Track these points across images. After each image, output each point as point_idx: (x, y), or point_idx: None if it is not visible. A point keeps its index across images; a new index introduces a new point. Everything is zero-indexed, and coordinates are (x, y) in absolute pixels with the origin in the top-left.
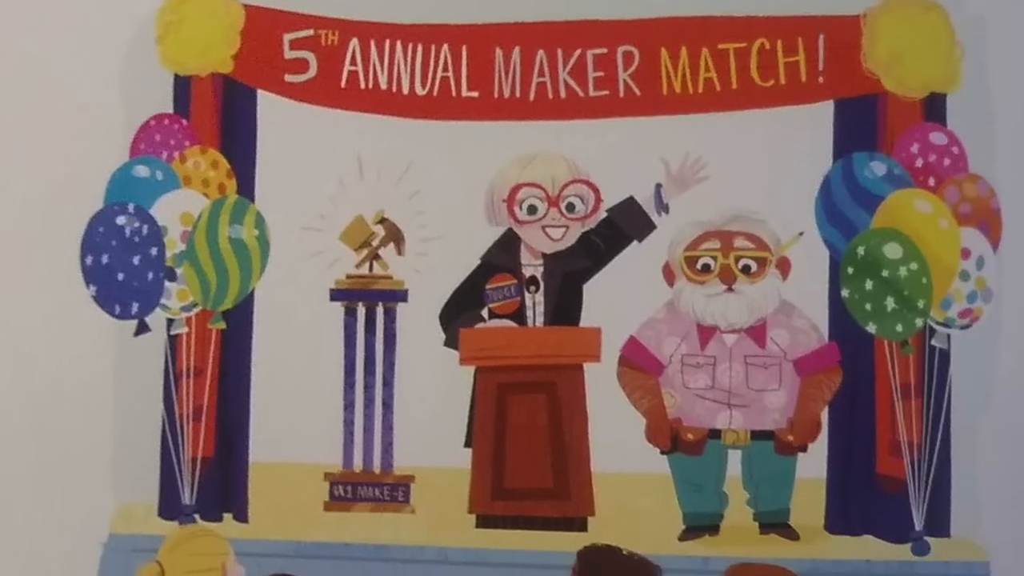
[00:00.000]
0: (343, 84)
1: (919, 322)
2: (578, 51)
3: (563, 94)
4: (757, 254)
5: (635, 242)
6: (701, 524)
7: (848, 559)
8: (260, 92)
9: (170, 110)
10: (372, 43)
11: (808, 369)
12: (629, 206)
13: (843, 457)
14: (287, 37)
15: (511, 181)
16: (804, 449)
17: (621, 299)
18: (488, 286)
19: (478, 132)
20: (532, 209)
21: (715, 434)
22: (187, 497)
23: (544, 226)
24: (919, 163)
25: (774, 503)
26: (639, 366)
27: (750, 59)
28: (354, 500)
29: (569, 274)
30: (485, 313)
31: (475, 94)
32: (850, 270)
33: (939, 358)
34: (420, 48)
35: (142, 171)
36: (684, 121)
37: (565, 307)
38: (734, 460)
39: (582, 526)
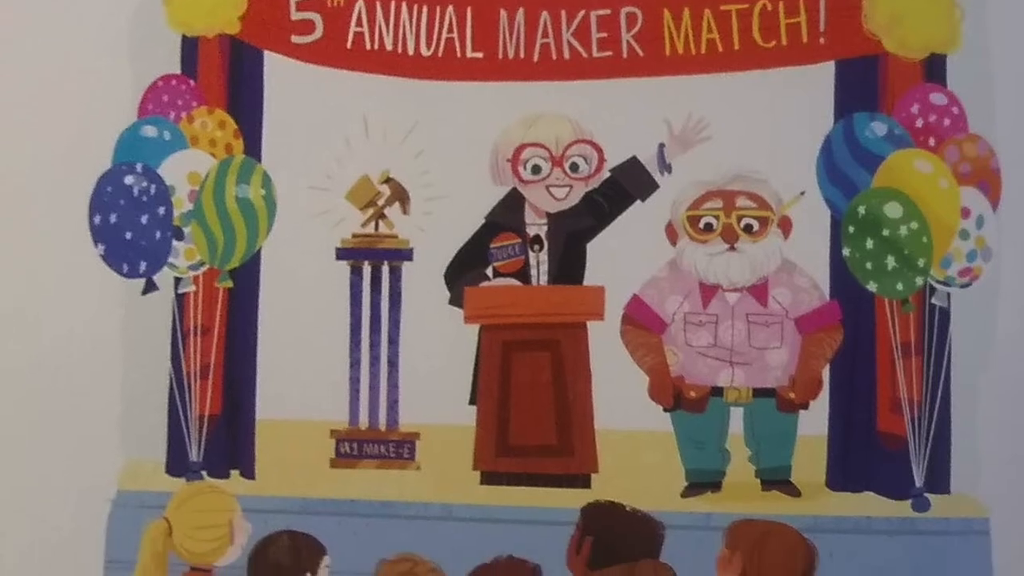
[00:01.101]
0: (349, 45)
1: (919, 281)
2: (581, 12)
3: (567, 55)
4: (759, 213)
5: (638, 201)
6: (703, 481)
7: (849, 515)
8: (267, 53)
9: (178, 71)
10: (378, 4)
11: (809, 327)
12: (632, 166)
13: (844, 414)
14: None
15: (515, 141)
16: (805, 406)
17: (624, 258)
18: (492, 245)
19: (483, 93)
20: (536, 169)
21: (717, 392)
22: (194, 454)
23: (548, 186)
24: (919, 123)
25: (776, 460)
26: (642, 324)
27: (752, 20)
28: (360, 457)
29: (573, 233)
30: (489, 272)
31: (479, 55)
32: (851, 229)
33: (939, 316)
34: (425, 9)
35: (150, 131)
36: (687, 82)
37: (569, 266)
38: (736, 417)
39: (585, 483)
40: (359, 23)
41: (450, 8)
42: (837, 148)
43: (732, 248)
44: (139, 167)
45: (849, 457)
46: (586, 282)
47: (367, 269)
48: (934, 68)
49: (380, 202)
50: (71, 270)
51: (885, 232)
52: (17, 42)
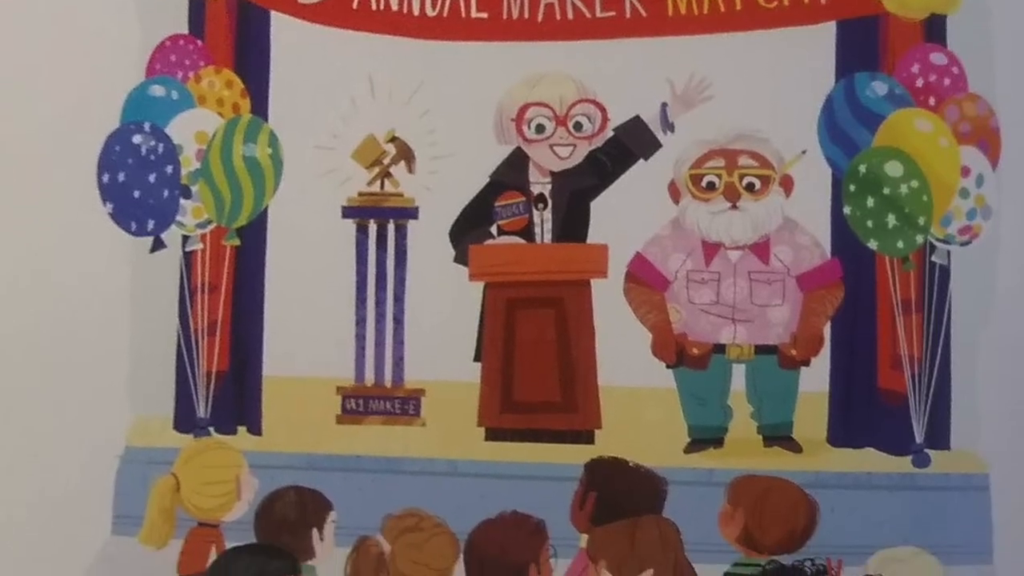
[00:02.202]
0: (355, 5)
1: (920, 239)
2: None
3: (570, 15)
4: (761, 172)
5: (641, 160)
6: (706, 437)
7: (850, 471)
8: (273, 13)
9: (185, 31)
10: None
11: (811, 285)
12: (635, 125)
13: (845, 371)
14: None
15: (519, 100)
16: (807, 363)
17: (627, 216)
18: (497, 203)
19: (487, 52)
20: (540, 128)
21: (720, 348)
22: (202, 410)
23: (552, 145)
24: (920, 83)
25: (777, 416)
26: (645, 282)
27: None
28: (366, 413)
29: (576, 192)
30: (494, 230)
31: (484, 15)
32: (852, 188)
33: (939, 274)
34: None
35: (158, 91)
36: (689, 42)
37: (572, 224)
38: (738, 374)
39: (589, 439)
40: None
41: None
42: (838, 107)
43: (734, 206)
44: (147, 126)
45: (850, 413)
46: (589, 240)
47: (373, 227)
48: (934, 28)
49: (386, 161)
50: (80, 228)
51: (886, 190)
52: (26, 3)
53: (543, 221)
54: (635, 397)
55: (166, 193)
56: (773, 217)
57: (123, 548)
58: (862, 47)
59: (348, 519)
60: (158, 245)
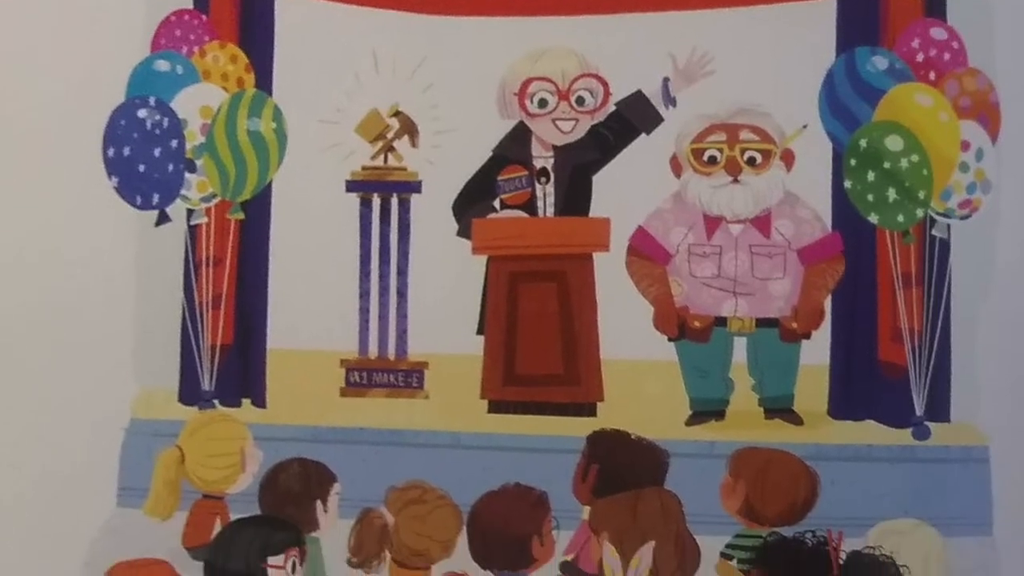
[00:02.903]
0: None
1: (920, 212)
2: None
3: None
4: (762, 146)
5: (643, 135)
6: (707, 409)
7: (850, 443)
8: None
9: (190, 6)
10: None
11: (812, 258)
12: (637, 100)
13: (846, 344)
14: None
15: (522, 75)
16: (808, 336)
17: (629, 190)
18: (500, 177)
19: (490, 27)
20: (543, 103)
21: (721, 322)
22: (207, 383)
23: (554, 119)
24: (920, 58)
25: (778, 389)
26: (647, 255)
27: None
28: (369, 386)
29: (579, 166)
30: (497, 204)
31: None
32: (852, 162)
33: (939, 247)
34: None
35: (163, 65)
36: (691, 17)
37: (575, 198)
38: (740, 347)
39: (591, 411)
40: None
41: None
42: (839, 82)
43: (735, 180)
44: (152, 101)
45: (851, 386)
46: (592, 214)
47: (376, 201)
48: (934, 3)
49: (389, 135)
50: (85, 202)
51: (886, 165)
52: None
53: (545, 195)
54: (637, 370)
55: (171, 167)
56: (774, 191)
57: (128, 520)
58: (862, 22)
59: (352, 491)
60: (163, 219)
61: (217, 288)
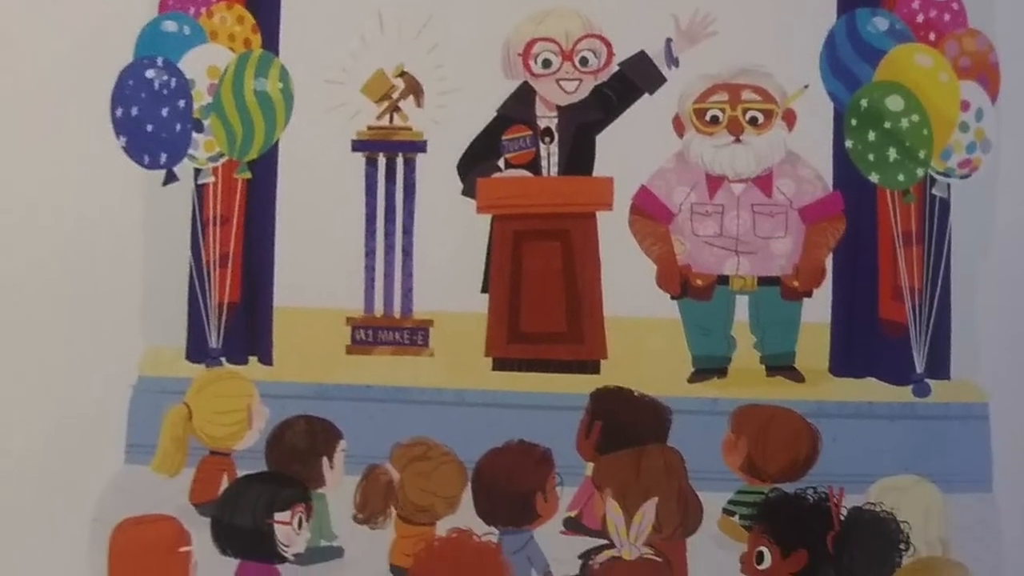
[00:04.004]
0: None
1: (920, 172)
2: None
3: None
4: (764, 106)
5: (646, 95)
6: (710, 367)
7: (851, 400)
8: None
9: None
10: None
11: (813, 217)
12: (640, 60)
13: (847, 302)
14: None
15: (526, 36)
16: (809, 294)
17: (632, 150)
18: (504, 137)
19: None
20: (547, 63)
21: (723, 280)
22: (214, 341)
23: (558, 79)
24: (920, 18)
25: (780, 346)
26: (650, 214)
27: None
28: (375, 344)
29: (582, 126)
30: (501, 163)
31: None
32: (853, 122)
33: (939, 206)
34: None
35: (170, 26)
36: None
37: (578, 157)
38: (741, 305)
39: (595, 369)
40: None
41: None
42: (840, 43)
43: (737, 140)
44: (160, 61)
45: (851, 344)
46: (595, 173)
47: (382, 160)
48: None
49: (395, 95)
50: (94, 161)
51: (887, 124)
52: None
53: (549, 154)
54: (640, 328)
55: (178, 127)
56: (776, 150)
57: (136, 476)
58: None
59: (357, 448)
60: (171, 178)
61: (224, 247)
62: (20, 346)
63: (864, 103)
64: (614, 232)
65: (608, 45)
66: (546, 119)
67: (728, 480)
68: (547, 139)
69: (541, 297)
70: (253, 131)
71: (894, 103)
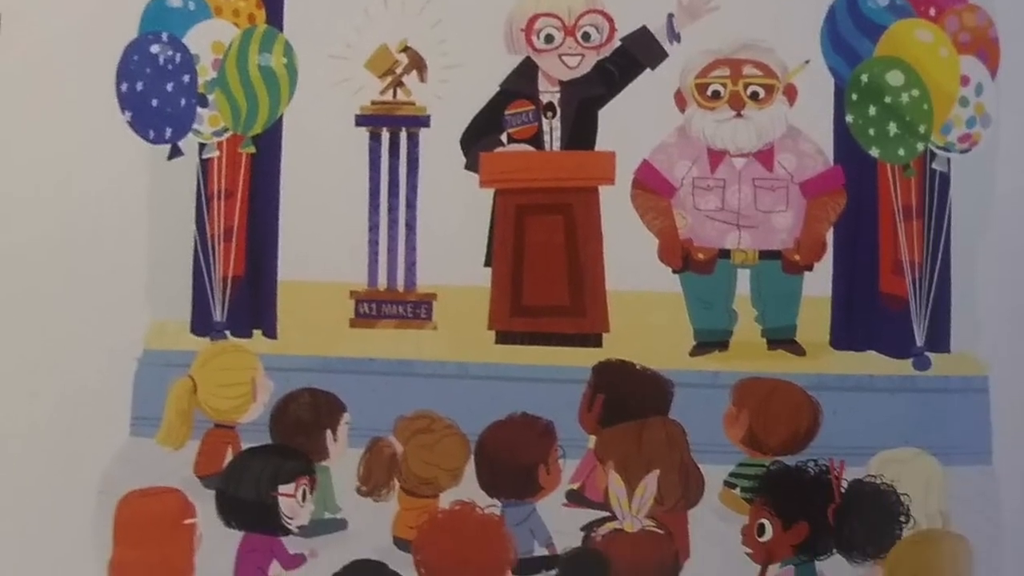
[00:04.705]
0: None
1: (920, 146)
2: None
3: None
4: (765, 81)
5: (648, 70)
6: (711, 340)
7: (852, 374)
8: None
9: None
10: None
11: (814, 191)
12: (642, 35)
13: (847, 276)
14: None
15: (529, 11)
16: (810, 268)
17: (634, 125)
18: (507, 112)
19: None
20: (549, 38)
21: (725, 254)
22: (218, 314)
23: (561, 54)
24: None
25: (781, 320)
26: (652, 188)
27: None
28: (378, 317)
29: (585, 100)
30: (504, 138)
31: None
32: (854, 97)
33: (939, 181)
34: None
35: (175, 1)
36: None
37: (581, 132)
38: (743, 279)
39: (597, 342)
40: None
41: None
42: (841, 18)
43: (739, 115)
44: (164, 36)
45: (852, 317)
46: (597, 148)
47: (386, 135)
48: None
49: (398, 70)
50: (99, 136)
51: (887, 99)
52: None
53: (552, 129)
54: (642, 301)
55: (183, 102)
56: (777, 125)
57: (141, 449)
58: None
59: (361, 420)
60: (175, 153)
61: (229, 221)
62: (26, 320)
63: (865, 78)
64: (616, 206)
65: (610, 20)
66: (548, 94)
67: (729, 453)
68: (549, 114)
69: (544, 271)
70: (257, 106)
71: (894, 78)
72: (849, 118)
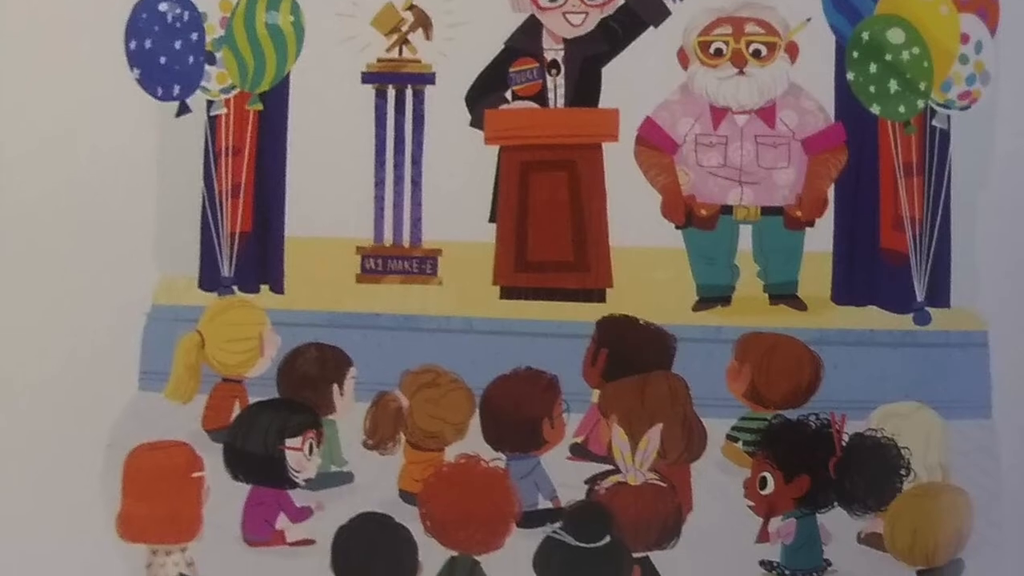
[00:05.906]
0: None
1: (921, 104)
2: None
3: None
4: (767, 39)
5: (651, 28)
6: (714, 295)
7: (853, 328)
8: None
9: None
10: None
11: (815, 148)
12: None
13: (848, 232)
14: None
15: None
16: (812, 224)
17: (638, 82)
18: (511, 69)
19: None
20: None
21: (727, 210)
22: (226, 270)
23: (565, 12)
24: None
25: (783, 275)
26: (655, 145)
27: None
28: (384, 273)
29: (589, 58)
30: (508, 95)
31: None
32: (855, 54)
33: (939, 137)
34: None
35: None
36: None
37: (585, 89)
38: (745, 235)
39: (600, 297)
40: None
41: None
42: None
43: (741, 72)
44: None
45: (853, 273)
46: (601, 105)
47: (391, 92)
48: None
49: (404, 28)
50: (108, 94)
51: (888, 57)
52: None
53: (556, 87)
54: (645, 257)
55: (191, 59)
56: (779, 82)
57: (149, 403)
58: None
59: (367, 374)
60: (183, 110)
61: (236, 177)
62: (36, 276)
63: (865, 36)
64: (620, 163)
65: None
66: (553, 52)
67: (732, 407)
68: (554, 71)
69: (548, 227)
70: (264, 64)
71: (895, 36)
72: (850, 75)
